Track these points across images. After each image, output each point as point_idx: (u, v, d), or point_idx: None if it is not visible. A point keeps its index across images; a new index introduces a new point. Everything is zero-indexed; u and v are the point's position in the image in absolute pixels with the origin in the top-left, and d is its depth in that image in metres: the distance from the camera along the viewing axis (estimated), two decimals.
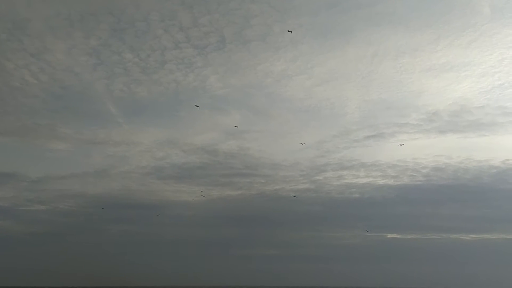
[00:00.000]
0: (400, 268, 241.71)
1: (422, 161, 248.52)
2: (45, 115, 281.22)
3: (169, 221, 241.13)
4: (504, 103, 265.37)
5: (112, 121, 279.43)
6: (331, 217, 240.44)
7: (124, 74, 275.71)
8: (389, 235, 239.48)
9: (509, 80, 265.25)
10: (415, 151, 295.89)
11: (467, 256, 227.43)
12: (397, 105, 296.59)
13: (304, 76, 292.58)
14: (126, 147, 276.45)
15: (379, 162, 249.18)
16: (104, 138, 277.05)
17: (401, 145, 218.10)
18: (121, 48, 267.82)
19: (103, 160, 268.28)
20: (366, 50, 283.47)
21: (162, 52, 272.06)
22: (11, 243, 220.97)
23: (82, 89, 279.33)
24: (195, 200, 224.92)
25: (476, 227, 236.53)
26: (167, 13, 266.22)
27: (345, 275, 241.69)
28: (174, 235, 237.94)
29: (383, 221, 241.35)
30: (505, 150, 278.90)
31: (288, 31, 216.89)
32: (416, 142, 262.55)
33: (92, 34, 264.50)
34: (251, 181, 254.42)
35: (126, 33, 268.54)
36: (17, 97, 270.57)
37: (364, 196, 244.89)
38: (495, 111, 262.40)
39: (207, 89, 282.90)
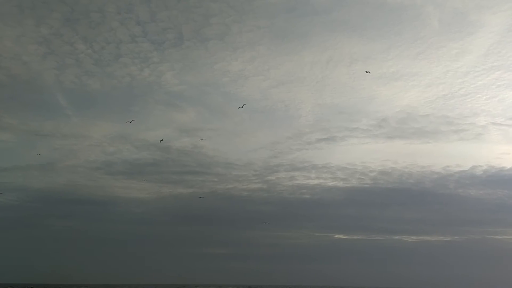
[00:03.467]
0: (345, 268, 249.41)
1: (370, 165, 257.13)
2: None
3: (117, 218, 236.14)
4: (447, 113, 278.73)
5: (61, 113, 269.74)
6: (282, 216, 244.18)
7: (76, 65, 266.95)
8: (337, 236, 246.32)
9: (452, 91, 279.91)
10: (364, 155, 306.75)
11: (408, 257, 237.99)
12: (349, 110, 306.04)
13: (260, 77, 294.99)
14: (74, 140, 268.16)
15: (329, 164, 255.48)
16: (51, 130, 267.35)
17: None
18: (73, 39, 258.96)
19: (49, 153, 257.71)
20: (321, 55, 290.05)
21: (117, 45, 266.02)
22: None
23: (30, 79, 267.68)
24: (146, 196, 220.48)
25: (417, 229, 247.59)
26: (124, 5, 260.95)
27: (293, 274, 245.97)
28: (122, 232, 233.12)
29: (331, 222, 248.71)
30: (446, 157, 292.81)
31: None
32: (365, 146, 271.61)
33: (43, 22, 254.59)
34: (203, 180, 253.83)
35: (80, 23, 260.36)
36: None
37: (314, 197, 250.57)
38: (439, 120, 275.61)
39: (163, 85, 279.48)
